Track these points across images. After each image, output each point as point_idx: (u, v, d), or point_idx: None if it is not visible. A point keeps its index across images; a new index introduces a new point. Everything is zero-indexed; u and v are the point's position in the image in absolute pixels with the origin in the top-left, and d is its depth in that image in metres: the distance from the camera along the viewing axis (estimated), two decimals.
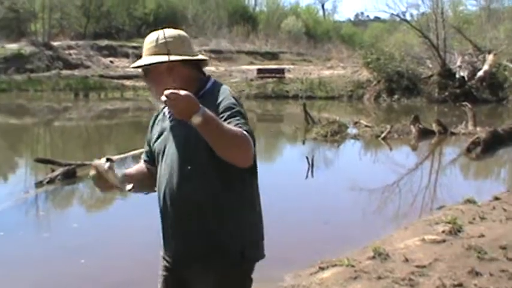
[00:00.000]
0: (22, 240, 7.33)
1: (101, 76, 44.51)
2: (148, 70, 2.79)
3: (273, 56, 61.03)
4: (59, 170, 10.72)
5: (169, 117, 2.76)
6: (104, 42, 54.96)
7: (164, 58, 2.63)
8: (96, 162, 2.65)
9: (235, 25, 67.98)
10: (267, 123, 25.67)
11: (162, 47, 2.67)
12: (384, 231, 7.74)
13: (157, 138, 2.82)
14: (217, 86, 2.77)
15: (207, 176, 2.63)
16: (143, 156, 3.03)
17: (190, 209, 2.66)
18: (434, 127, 18.21)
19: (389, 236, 7.28)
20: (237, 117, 2.52)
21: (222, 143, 2.41)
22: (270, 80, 37.59)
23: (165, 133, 2.77)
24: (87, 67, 48.30)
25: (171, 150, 2.70)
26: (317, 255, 6.49)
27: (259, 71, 40.25)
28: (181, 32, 2.88)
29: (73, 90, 37.58)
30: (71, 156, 12.57)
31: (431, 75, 34.27)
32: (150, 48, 2.77)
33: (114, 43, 55.48)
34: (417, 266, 5.74)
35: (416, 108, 26.94)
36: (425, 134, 17.79)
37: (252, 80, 38.48)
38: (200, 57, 2.84)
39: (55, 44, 51.22)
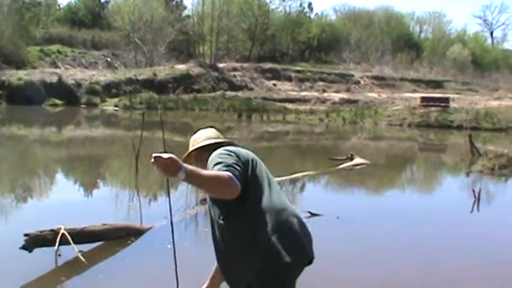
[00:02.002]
0: (189, 253, 7.51)
1: (264, 98, 45.48)
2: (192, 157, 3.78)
3: (437, 85, 59.63)
4: None
5: None
6: (268, 65, 56.24)
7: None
8: None
9: (399, 52, 67.17)
10: (428, 153, 24.92)
11: (191, 145, 3.78)
12: None
13: None
14: None
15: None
16: None
17: None
18: None
19: None
20: (215, 166, 3.23)
21: (206, 187, 3.13)
22: (433, 108, 36.60)
23: None
24: (251, 89, 49.63)
25: None
26: None
27: (423, 99, 39.30)
28: (208, 131, 3.86)
29: (236, 111, 38.66)
30: None
31: None
32: (190, 143, 3.82)
33: (277, 66, 56.67)
34: None
35: None
36: None
37: (415, 108, 37.71)
38: (204, 143, 3.71)
39: (221, 65, 53.13)
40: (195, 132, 3.86)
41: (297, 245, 3.30)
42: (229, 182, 3.08)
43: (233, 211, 3.30)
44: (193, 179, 3.00)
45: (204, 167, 3.33)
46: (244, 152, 3.48)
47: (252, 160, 3.44)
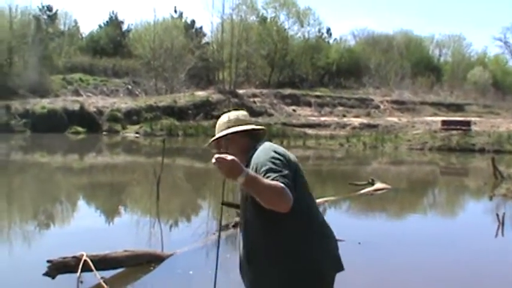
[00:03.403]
0: (213, 280, 7.49)
1: (284, 124, 45.53)
2: (215, 142, 3.57)
3: (457, 108, 59.32)
4: None
5: None
6: (287, 91, 56.34)
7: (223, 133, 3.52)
8: None
9: (418, 76, 66.95)
10: (450, 177, 24.74)
11: (225, 126, 3.55)
12: None
13: None
14: (259, 148, 3.37)
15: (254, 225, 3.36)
16: None
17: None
18: None
19: None
20: (270, 174, 3.09)
21: (262, 197, 3.00)
22: (454, 132, 36.39)
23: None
24: (271, 115, 49.66)
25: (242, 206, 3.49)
26: None
27: (444, 122, 39.13)
28: (241, 113, 3.68)
29: None
30: None
31: None
32: (218, 128, 3.60)
33: (297, 92, 56.73)
34: None
35: None
36: None
37: (435, 131, 37.51)
38: (247, 127, 3.54)
39: (240, 91, 53.31)
40: (222, 114, 3.72)
41: (336, 253, 3.43)
42: (285, 197, 3.00)
43: (279, 216, 3.14)
44: (252, 185, 2.94)
45: (236, 152, 3.25)
46: (291, 155, 3.39)
47: (298, 164, 3.37)
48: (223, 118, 3.62)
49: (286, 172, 3.12)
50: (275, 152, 3.25)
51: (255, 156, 3.29)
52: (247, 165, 3.23)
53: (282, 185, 3.00)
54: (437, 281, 7.85)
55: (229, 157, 2.85)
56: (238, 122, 3.55)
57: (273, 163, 3.15)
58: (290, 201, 3.01)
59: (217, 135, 3.53)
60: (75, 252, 7.11)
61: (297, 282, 3.23)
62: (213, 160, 2.86)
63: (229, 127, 3.51)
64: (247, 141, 3.47)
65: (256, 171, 3.13)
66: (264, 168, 3.13)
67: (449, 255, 9.35)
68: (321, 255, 3.29)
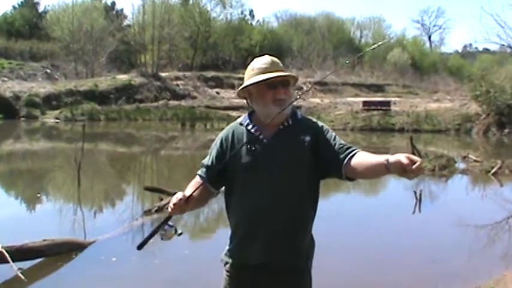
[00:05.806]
0: (136, 266, 7.40)
1: (207, 107, 45.27)
2: (289, 83, 3.21)
3: (378, 88, 60.51)
4: (167, 199, 10.81)
5: (261, 136, 3.13)
6: (211, 74, 56.08)
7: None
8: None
9: (340, 57, 67.71)
10: None
11: (272, 68, 3.12)
12: (494, 270, 7.46)
13: (245, 155, 3.10)
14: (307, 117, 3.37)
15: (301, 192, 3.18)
16: (204, 174, 3.35)
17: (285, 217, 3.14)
18: None
19: (503, 276, 6.97)
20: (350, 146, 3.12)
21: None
22: (375, 112, 37.06)
23: (258, 151, 3.08)
24: (194, 98, 49.35)
25: (270, 167, 3.04)
26: None
27: (365, 103, 39.73)
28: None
29: (180, 120, 38.38)
30: (177, 185, 12.67)
31: None
32: (280, 67, 3.19)
33: (220, 74, 56.51)
34: None
35: None
36: None
37: (357, 112, 38.04)
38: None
39: (163, 75, 52.70)
40: (252, 59, 3.31)
41: None
42: None
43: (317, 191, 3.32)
44: None
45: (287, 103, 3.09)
46: None
47: None
48: (274, 59, 3.24)
49: None
50: None
51: (320, 124, 3.23)
52: (287, 124, 3.16)
53: None
54: (357, 257, 8.01)
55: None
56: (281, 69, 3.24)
57: None
58: None
59: (286, 73, 3.18)
60: None
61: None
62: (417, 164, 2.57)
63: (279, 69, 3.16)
64: None
65: (326, 137, 3.12)
66: (343, 142, 3.14)
67: (369, 232, 9.58)
68: None
